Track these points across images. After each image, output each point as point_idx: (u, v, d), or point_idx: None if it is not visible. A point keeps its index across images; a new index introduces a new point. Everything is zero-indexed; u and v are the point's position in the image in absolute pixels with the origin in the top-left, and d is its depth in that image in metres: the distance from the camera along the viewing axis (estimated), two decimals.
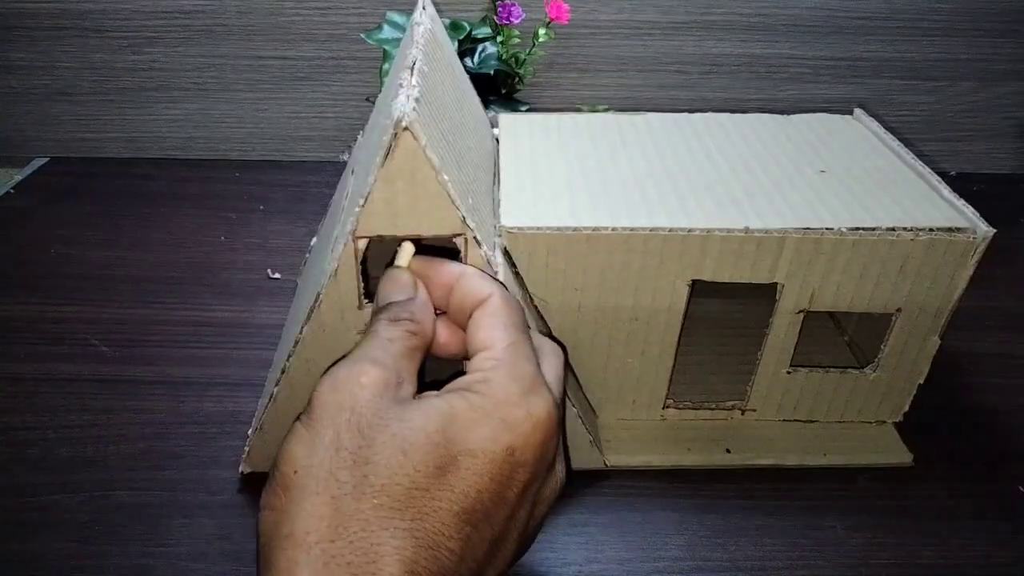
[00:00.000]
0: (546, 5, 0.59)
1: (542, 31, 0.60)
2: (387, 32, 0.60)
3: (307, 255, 0.50)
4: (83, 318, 0.52)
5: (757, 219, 0.38)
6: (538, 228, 0.37)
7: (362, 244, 0.33)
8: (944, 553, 0.39)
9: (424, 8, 0.42)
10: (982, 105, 0.73)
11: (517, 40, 0.60)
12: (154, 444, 0.43)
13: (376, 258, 0.35)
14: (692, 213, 0.38)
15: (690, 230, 0.37)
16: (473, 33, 0.61)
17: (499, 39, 0.60)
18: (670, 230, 0.37)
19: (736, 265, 0.38)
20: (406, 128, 0.31)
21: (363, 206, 0.32)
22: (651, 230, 0.37)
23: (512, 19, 0.59)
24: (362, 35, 0.60)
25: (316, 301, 0.35)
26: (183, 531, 0.38)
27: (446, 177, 0.32)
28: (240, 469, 0.41)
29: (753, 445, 0.44)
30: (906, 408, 0.44)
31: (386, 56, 0.59)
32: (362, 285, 0.34)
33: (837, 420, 0.45)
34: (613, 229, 0.37)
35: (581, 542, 0.39)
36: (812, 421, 0.45)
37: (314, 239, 0.51)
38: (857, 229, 0.38)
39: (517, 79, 0.62)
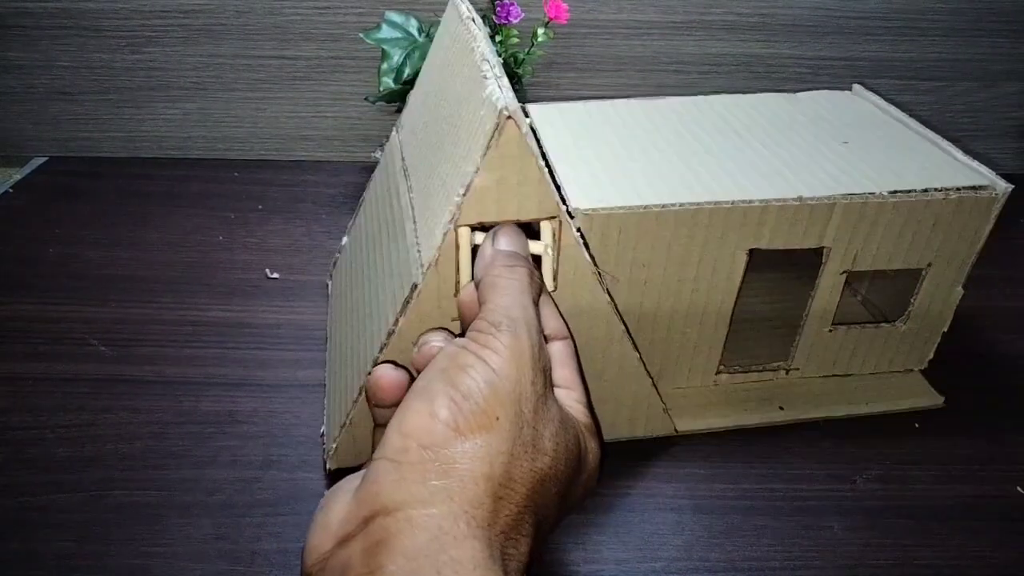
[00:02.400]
0: (545, 5, 0.59)
1: (541, 31, 0.60)
2: (386, 32, 0.60)
3: (337, 255, 0.51)
4: (81, 318, 0.52)
5: (806, 188, 0.41)
6: (610, 208, 0.39)
7: (464, 232, 0.34)
8: (942, 553, 0.39)
9: (466, 3, 0.43)
10: (982, 105, 0.73)
11: (516, 40, 0.60)
12: (152, 444, 0.43)
13: None
14: (746, 187, 0.41)
15: (750, 202, 0.40)
16: None
17: (498, 39, 0.60)
18: (732, 203, 0.40)
19: (790, 232, 0.41)
20: (509, 116, 0.32)
21: (463, 195, 0.33)
22: (715, 204, 0.40)
23: (511, 19, 0.59)
24: (361, 34, 0.60)
25: (414, 292, 0.35)
26: (181, 531, 0.38)
27: (543, 163, 0.33)
28: (328, 467, 0.41)
29: (803, 402, 0.46)
30: (931, 355, 0.48)
31: (385, 56, 0.59)
32: (470, 275, 0.35)
33: (870, 372, 0.48)
34: (680, 205, 0.39)
35: (578, 542, 0.39)
36: (849, 375, 0.48)
37: (344, 239, 0.51)
38: (896, 192, 0.41)
39: (516, 79, 0.62)
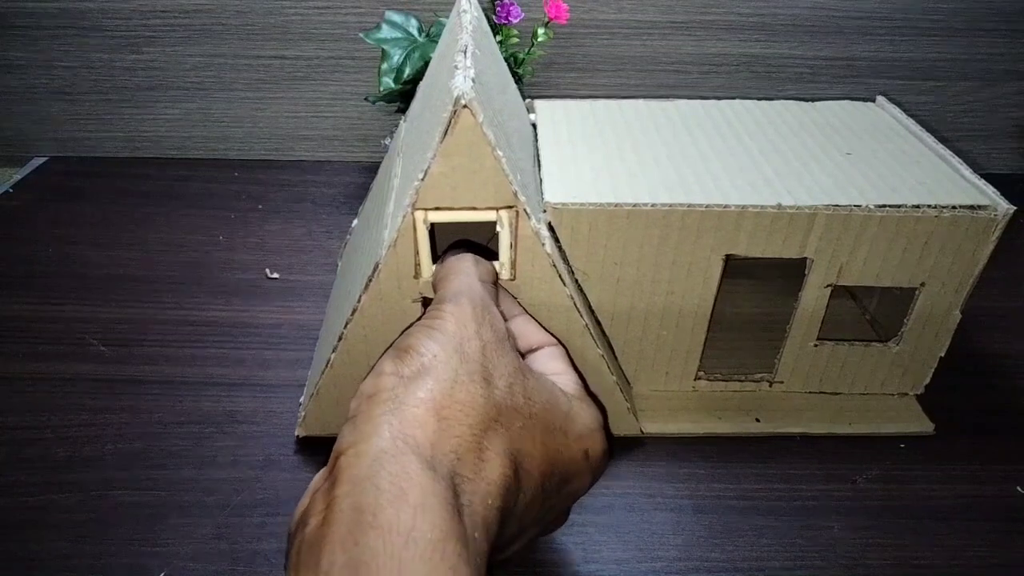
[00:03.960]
0: (545, 5, 0.59)
1: (541, 31, 0.60)
2: (385, 31, 0.60)
3: (348, 237, 0.52)
4: (81, 317, 0.52)
5: (789, 196, 0.40)
6: (581, 204, 0.39)
7: (420, 215, 0.35)
8: (942, 553, 0.39)
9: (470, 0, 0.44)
10: (982, 105, 0.73)
11: (516, 40, 0.60)
12: (151, 444, 0.43)
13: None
14: (727, 191, 0.40)
15: (725, 206, 0.39)
16: None
17: (498, 39, 0.60)
18: (707, 206, 0.39)
19: (768, 240, 0.40)
20: (465, 105, 0.32)
21: (422, 180, 0.34)
22: (688, 206, 0.39)
23: (511, 19, 0.59)
24: (360, 34, 0.60)
25: (375, 271, 0.37)
26: (180, 531, 0.38)
27: (500, 153, 0.34)
28: (296, 433, 0.43)
29: (781, 415, 0.45)
30: (927, 381, 0.46)
31: (385, 56, 0.59)
32: (430, 258, 0.36)
33: (861, 392, 0.46)
34: (652, 205, 0.39)
35: (578, 542, 0.39)
36: (837, 393, 0.46)
37: (355, 221, 0.52)
38: (884, 206, 0.39)
39: (516, 79, 0.62)
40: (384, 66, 0.59)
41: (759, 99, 0.72)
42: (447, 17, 0.62)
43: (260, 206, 0.67)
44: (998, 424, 0.46)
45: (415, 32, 0.61)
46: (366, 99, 0.67)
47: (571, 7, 0.60)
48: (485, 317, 0.31)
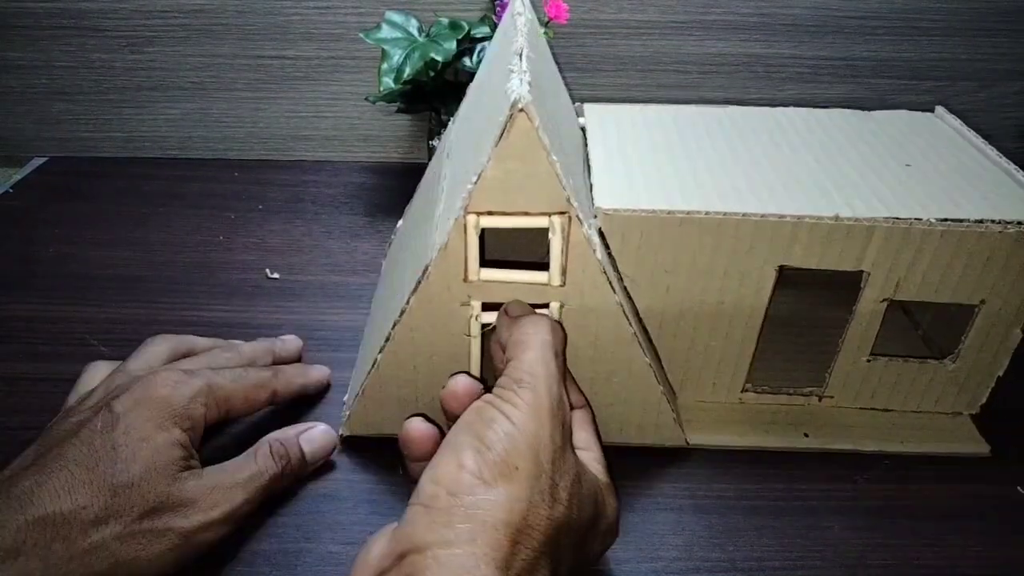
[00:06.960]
0: (545, 5, 0.59)
1: (541, 31, 0.60)
2: (386, 31, 0.60)
3: (392, 237, 0.52)
4: (81, 317, 0.52)
5: (847, 208, 0.39)
6: (632, 210, 0.38)
7: (472, 219, 0.35)
8: (942, 553, 0.39)
9: (523, 1, 0.43)
10: (982, 105, 0.73)
11: None
12: None
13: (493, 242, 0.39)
14: (782, 200, 0.39)
15: (781, 216, 0.38)
16: (472, 33, 0.61)
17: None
18: (762, 216, 0.38)
19: (824, 252, 0.39)
20: (522, 109, 0.32)
21: (476, 183, 0.34)
22: (743, 215, 0.38)
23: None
24: (361, 34, 0.60)
25: (424, 273, 0.37)
26: None
27: (555, 158, 0.34)
28: (339, 432, 0.43)
29: (831, 431, 0.44)
30: (984, 400, 0.45)
31: (385, 56, 0.59)
32: (478, 262, 0.36)
33: (914, 410, 0.45)
34: (706, 213, 0.38)
35: None
36: (889, 410, 0.45)
37: (400, 223, 0.52)
38: (946, 220, 0.38)
39: None
40: (384, 66, 0.59)
41: (760, 99, 0.72)
42: (447, 17, 0.62)
43: (260, 206, 0.67)
44: (998, 424, 0.46)
45: (415, 32, 0.61)
46: (366, 99, 0.67)
47: (571, 7, 0.60)
48: (558, 414, 0.32)
